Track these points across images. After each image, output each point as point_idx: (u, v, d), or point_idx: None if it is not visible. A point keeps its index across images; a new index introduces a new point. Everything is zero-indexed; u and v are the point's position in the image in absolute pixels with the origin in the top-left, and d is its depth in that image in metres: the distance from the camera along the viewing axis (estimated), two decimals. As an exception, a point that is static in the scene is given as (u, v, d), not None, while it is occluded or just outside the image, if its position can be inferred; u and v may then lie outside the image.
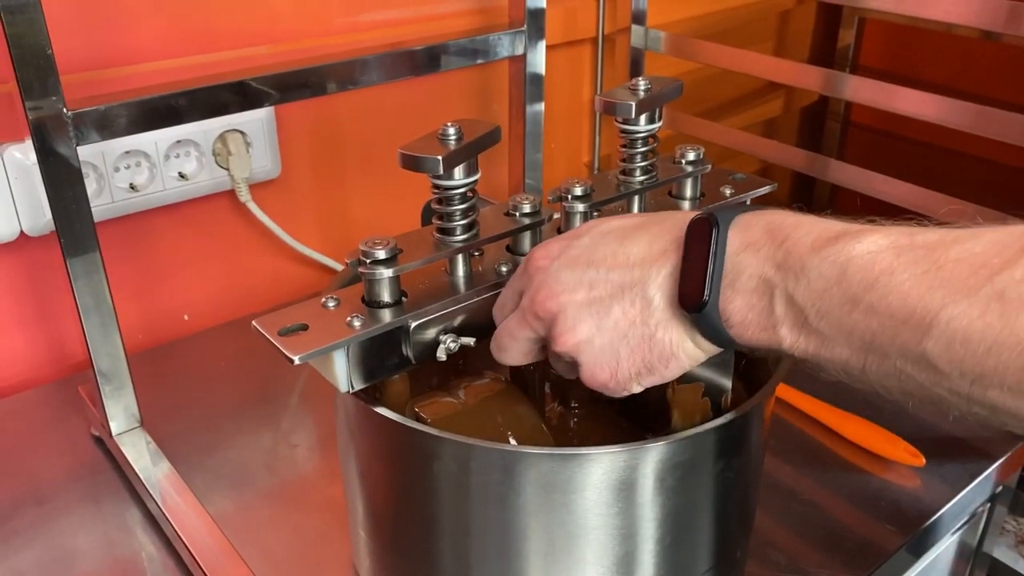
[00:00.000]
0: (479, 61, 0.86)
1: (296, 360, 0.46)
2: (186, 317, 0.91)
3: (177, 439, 0.73)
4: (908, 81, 0.86)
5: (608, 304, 0.45)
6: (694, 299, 0.42)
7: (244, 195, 0.86)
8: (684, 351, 0.45)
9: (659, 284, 0.44)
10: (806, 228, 0.41)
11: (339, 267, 0.98)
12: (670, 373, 0.46)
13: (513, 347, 0.50)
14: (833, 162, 0.95)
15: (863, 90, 0.90)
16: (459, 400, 0.56)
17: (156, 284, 0.88)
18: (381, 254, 0.49)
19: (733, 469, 0.51)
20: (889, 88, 0.86)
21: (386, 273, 0.49)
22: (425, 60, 0.79)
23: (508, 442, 0.54)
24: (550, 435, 0.58)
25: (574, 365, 0.48)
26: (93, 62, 0.77)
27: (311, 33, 0.89)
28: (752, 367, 0.58)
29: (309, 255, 0.96)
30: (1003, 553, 0.91)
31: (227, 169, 0.85)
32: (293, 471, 0.72)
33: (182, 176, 0.83)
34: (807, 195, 1.35)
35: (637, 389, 0.47)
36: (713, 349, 0.45)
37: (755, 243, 0.42)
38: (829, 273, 0.39)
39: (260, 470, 0.72)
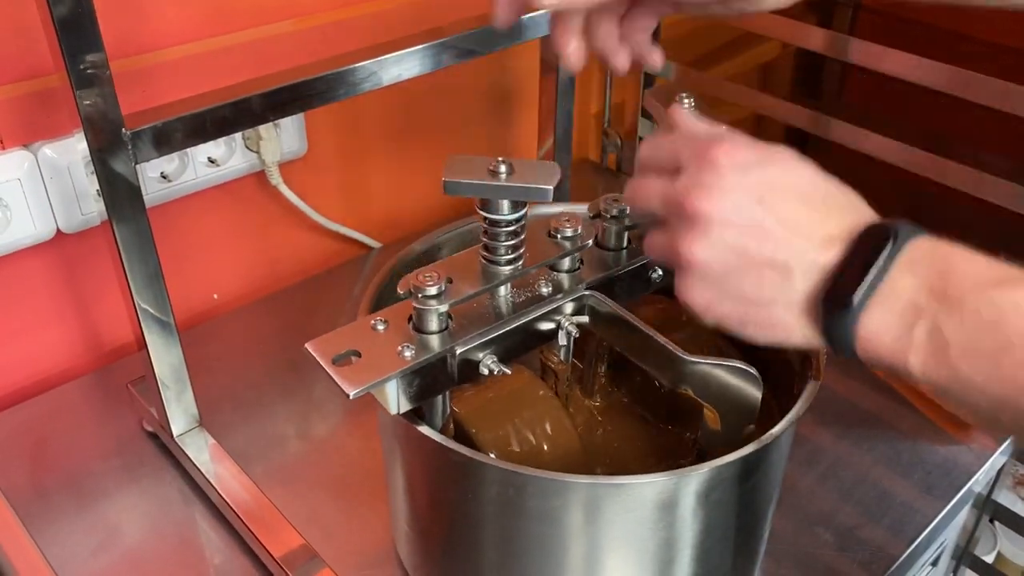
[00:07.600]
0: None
1: (352, 395, 0.49)
2: (216, 296, 0.93)
3: (229, 428, 0.75)
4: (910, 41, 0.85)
5: (752, 255, 0.43)
6: (839, 304, 0.41)
7: (275, 178, 0.87)
8: (791, 331, 0.44)
9: (809, 270, 0.43)
10: (973, 264, 0.40)
11: (363, 238, 1.00)
12: (758, 337, 0.45)
13: (639, 203, 0.49)
14: (835, 122, 0.94)
15: (865, 53, 0.88)
16: (487, 392, 0.60)
17: (185, 265, 0.90)
18: (432, 290, 0.51)
19: (761, 485, 0.56)
20: (888, 51, 0.85)
21: (438, 307, 0.51)
22: (462, 50, 0.75)
23: (532, 433, 0.59)
24: (573, 428, 0.61)
25: (671, 262, 0.46)
26: (116, 51, 0.77)
27: (333, 5, 0.88)
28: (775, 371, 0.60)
29: (336, 229, 0.97)
30: (1002, 495, 0.94)
31: (257, 152, 0.85)
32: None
33: (212, 161, 0.83)
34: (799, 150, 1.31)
35: (711, 323, 0.46)
36: (819, 345, 0.44)
37: (916, 263, 0.41)
38: (987, 314, 0.38)
39: (291, 438, 0.77)
